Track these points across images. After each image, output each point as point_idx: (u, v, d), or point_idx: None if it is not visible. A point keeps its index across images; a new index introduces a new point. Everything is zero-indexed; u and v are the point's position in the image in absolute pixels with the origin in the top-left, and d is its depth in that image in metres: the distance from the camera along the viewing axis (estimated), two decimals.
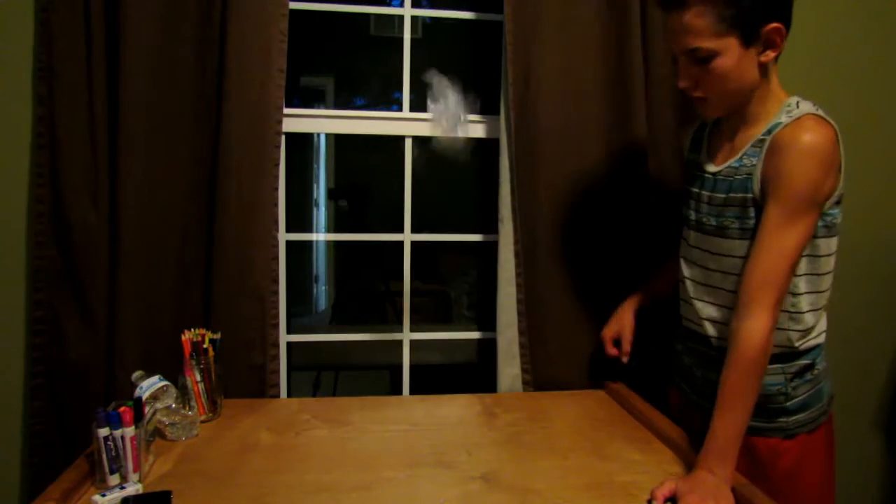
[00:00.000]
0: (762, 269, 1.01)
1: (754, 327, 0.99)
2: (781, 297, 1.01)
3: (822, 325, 1.13)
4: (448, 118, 1.27)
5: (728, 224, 1.10)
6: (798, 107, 1.05)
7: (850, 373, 1.74)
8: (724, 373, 1.01)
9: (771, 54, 1.04)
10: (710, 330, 1.16)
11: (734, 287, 1.08)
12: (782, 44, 1.04)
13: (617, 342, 1.41)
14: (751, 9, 1.00)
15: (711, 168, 1.15)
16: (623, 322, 1.41)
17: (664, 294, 1.39)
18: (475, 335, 1.80)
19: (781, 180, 1.00)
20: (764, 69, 1.06)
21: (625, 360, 1.40)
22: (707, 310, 1.16)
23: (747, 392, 0.99)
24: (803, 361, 1.11)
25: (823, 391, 1.14)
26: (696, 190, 1.18)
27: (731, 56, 1.02)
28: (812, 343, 1.11)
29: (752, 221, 1.06)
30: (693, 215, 1.19)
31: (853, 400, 1.76)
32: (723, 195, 1.10)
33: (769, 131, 1.05)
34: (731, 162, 1.10)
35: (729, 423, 0.98)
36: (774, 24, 1.01)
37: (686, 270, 1.22)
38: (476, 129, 1.65)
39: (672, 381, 1.33)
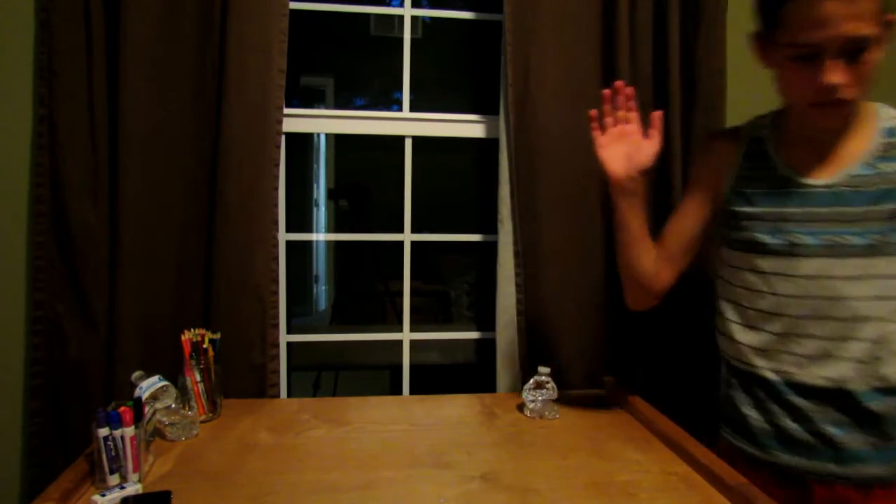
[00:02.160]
0: None
1: None
2: None
3: None
4: (541, 404, 1.33)
5: (882, 240, 0.96)
6: (885, 107, 1.02)
7: None
8: None
9: (883, 51, 0.93)
10: (841, 370, 0.98)
11: (882, 314, 0.96)
12: None
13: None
14: None
15: (813, 181, 1.01)
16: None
17: (638, 246, 1.18)
18: (475, 335, 1.80)
19: None
20: None
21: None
22: (842, 347, 0.98)
23: None
24: None
25: None
26: (792, 210, 1.02)
27: (880, 48, 0.91)
28: None
29: None
30: (802, 238, 1.01)
31: None
32: (862, 208, 0.97)
33: (891, 133, 0.98)
34: (853, 170, 0.98)
35: None
36: (894, 16, 0.93)
37: (774, 306, 1.04)
38: (476, 129, 1.66)
39: (727, 429, 1.16)
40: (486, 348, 1.75)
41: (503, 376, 1.54)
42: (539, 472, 1.08)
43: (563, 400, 1.37)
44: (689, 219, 1.18)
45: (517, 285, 1.52)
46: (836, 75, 0.91)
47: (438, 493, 1.00)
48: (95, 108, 1.36)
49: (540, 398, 1.33)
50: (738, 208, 1.09)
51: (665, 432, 1.21)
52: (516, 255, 1.52)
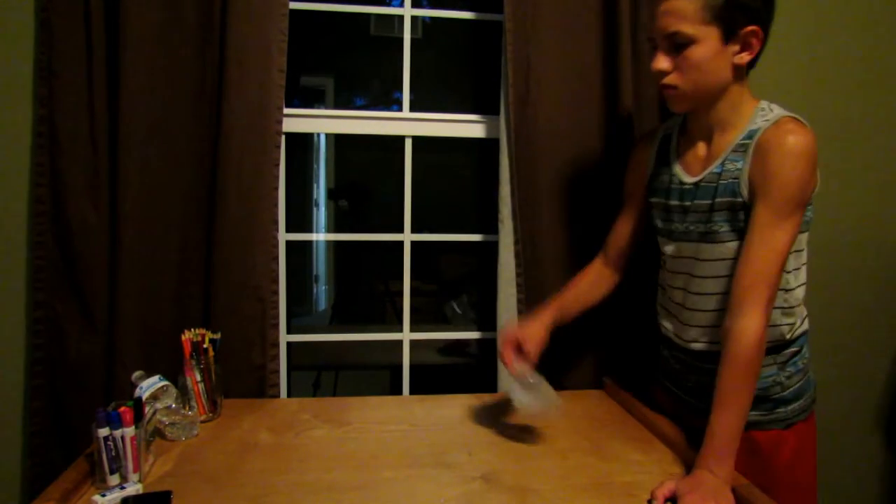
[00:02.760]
0: (755, 268, 1.01)
1: (748, 326, 1.00)
2: (774, 295, 1.02)
3: (804, 312, 1.17)
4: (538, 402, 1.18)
5: (717, 229, 1.10)
6: (772, 111, 1.08)
7: (850, 372, 1.74)
8: (720, 372, 1.01)
9: (746, 57, 1.05)
10: (694, 334, 1.17)
11: (726, 289, 1.08)
12: (759, 49, 1.06)
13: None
14: (736, 5, 1.01)
15: (689, 178, 1.16)
16: (530, 331, 1.24)
17: (572, 309, 1.32)
18: (475, 335, 1.80)
19: (772, 181, 1.01)
20: (738, 72, 1.07)
21: (515, 369, 1.19)
22: (696, 317, 1.16)
23: (743, 391, 1.00)
24: (792, 349, 1.14)
25: (811, 378, 1.18)
26: (674, 202, 1.18)
27: (708, 47, 1.03)
28: (800, 332, 1.15)
29: (742, 224, 1.07)
30: (676, 226, 1.19)
31: (853, 399, 1.76)
32: (708, 201, 1.11)
33: (750, 136, 1.06)
34: (712, 168, 1.11)
35: (726, 422, 0.99)
36: (754, 27, 1.03)
37: (669, 281, 1.23)
38: (476, 129, 1.66)
39: (658, 383, 1.34)
40: (486, 348, 1.75)
41: (503, 376, 1.54)
42: (540, 472, 1.08)
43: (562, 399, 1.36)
44: (623, 227, 1.35)
45: (518, 285, 1.52)
46: (659, 63, 1.08)
47: (439, 493, 1.00)
48: (95, 108, 1.36)
49: (534, 400, 1.18)
50: (650, 199, 1.26)
51: (665, 432, 1.21)
52: (517, 255, 1.52)
